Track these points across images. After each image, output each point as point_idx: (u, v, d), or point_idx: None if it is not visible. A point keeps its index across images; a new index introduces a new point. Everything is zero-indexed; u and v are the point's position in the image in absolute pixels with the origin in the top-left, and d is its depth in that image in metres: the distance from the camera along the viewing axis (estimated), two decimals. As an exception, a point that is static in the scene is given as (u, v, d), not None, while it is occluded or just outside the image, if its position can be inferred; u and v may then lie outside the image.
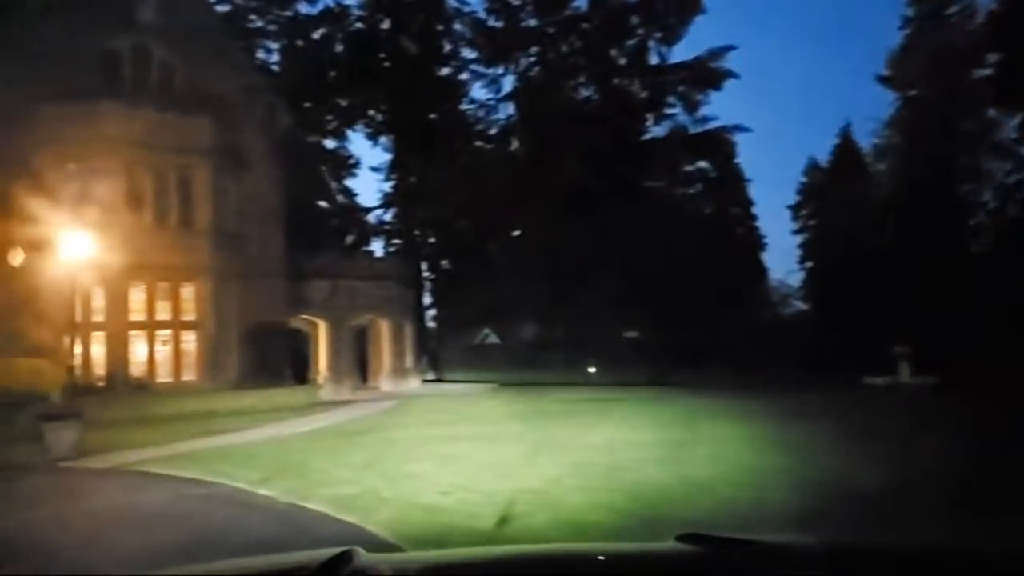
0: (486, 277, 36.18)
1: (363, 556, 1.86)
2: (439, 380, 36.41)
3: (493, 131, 41.13)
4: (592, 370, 32.61)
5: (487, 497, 7.68)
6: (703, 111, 39.01)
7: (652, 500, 7.52)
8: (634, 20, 38.37)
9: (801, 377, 26.67)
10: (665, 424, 14.23)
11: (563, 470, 9.29)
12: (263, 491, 8.33)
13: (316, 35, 44.04)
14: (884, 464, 9.31)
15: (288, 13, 43.23)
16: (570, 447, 11.35)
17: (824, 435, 12.47)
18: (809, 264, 47.17)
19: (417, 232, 43.83)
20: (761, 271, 45.38)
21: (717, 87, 39.08)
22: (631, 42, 38.85)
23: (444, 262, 44.85)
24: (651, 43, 38.93)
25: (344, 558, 1.78)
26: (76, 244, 13.81)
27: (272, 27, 43.37)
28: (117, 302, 19.02)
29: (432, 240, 44.65)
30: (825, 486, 8.14)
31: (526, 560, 2.38)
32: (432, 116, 44.94)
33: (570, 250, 33.99)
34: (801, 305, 49.49)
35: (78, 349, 17.57)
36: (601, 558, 2.41)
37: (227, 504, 7.93)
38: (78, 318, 16.91)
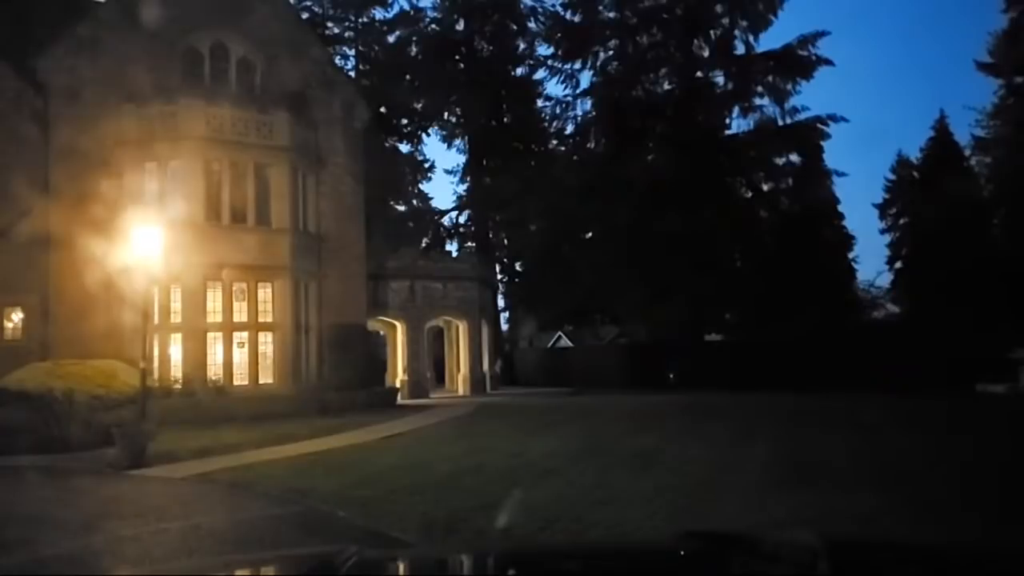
0: (561, 279, 34.94)
1: (362, 552, 1.85)
2: (514, 383, 35.50)
3: (569, 129, 39.98)
4: (671, 375, 30.77)
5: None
6: (793, 102, 36.76)
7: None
8: (718, 9, 36.52)
9: (901, 383, 24.21)
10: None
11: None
12: (340, 511, 7.41)
13: (391, 39, 44.01)
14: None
15: (364, 19, 43.36)
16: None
17: None
18: (898, 265, 44.61)
19: (491, 234, 43.16)
20: (850, 272, 42.87)
21: (808, 76, 36.80)
22: (715, 32, 37.01)
23: (518, 264, 44.05)
24: (736, 32, 36.99)
25: (343, 554, 1.75)
26: (153, 242, 13.34)
27: (348, 34, 43.57)
28: (194, 302, 18.71)
29: (506, 242, 43.91)
30: None
31: (527, 556, 2.34)
32: (507, 117, 44.27)
33: (648, 251, 32.41)
34: (892, 308, 46.72)
35: (154, 350, 17.30)
36: (602, 554, 2.35)
37: (297, 527, 7.05)
38: (155, 318, 16.60)
